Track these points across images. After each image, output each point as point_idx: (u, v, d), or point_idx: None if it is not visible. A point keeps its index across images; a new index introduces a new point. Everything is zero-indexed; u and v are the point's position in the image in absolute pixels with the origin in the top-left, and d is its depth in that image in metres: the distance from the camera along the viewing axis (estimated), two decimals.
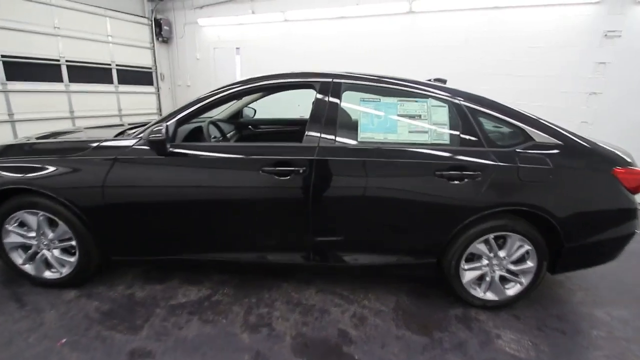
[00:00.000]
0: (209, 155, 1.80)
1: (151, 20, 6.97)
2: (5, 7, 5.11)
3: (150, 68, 7.17)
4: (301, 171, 1.73)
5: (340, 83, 1.85)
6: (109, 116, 6.54)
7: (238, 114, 3.33)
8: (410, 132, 1.79)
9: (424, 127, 1.80)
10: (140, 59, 6.92)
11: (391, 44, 5.15)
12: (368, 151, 1.76)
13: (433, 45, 4.89)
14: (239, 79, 1.92)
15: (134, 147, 1.76)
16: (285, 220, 1.84)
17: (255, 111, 3.49)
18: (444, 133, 1.80)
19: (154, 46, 7.07)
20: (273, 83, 1.88)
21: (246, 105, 3.31)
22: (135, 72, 6.86)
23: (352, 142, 1.81)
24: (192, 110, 1.83)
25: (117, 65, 6.55)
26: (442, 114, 1.81)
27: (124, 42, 6.61)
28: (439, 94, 1.83)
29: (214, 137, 2.34)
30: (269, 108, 3.46)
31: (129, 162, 1.78)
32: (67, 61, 5.86)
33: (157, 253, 1.95)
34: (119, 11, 6.48)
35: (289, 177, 1.74)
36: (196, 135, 2.13)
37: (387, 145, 1.78)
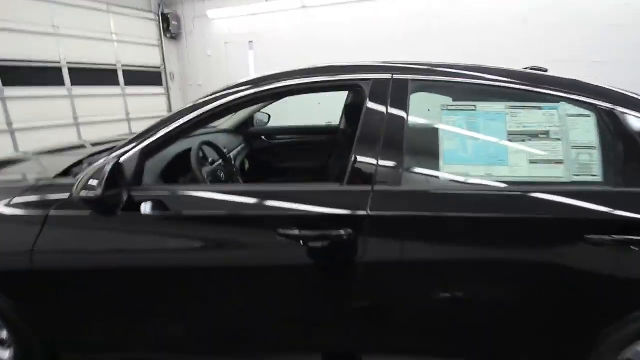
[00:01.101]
0: (189, 215, 1.13)
1: (158, 15, 6.43)
2: None
3: (158, 67, 6.66)
4: (344, 235, 1.00)
5: (405, 80, 1.11)
6: (116, 121, 6.07)
7: (248, 121, 2.64)
8: (532, 162, 1.03)
9: (557, 153, 1.03)
10: (147, 57, 6.42)
11: (433, 26, 4.30)
12: (460, 200, 1.03)
13: (480, 27, 4.01)
14: (247, 78, 1.18)
15: (74, 197, 1.07)
16: (310, 320, 1.16)
17: (269, 117, 2.80)
18: (593, 164, 1.02)
19: (162, 43, 6.54)
20: (295, 85, 1.16)
21: (258, 110, 2.60)
22: (143, 73, 6.39)
23: (431, 182, 1.08)
24: (166, 135, 1.16)
25: (123, 65, 6.05)
26: (587, 129, 1.03)
27: (129, 40, 6.10)
28: (579, 96, 1.05)
29: (211, 162, 1.65)
30: (281, 109, 2.76)
31: (66, 223, 1.11)
32: (68, 63, 5.37)
33: (119, 349, 1.28)
34: (123, 6, 5.94)
35: (321, 246, 1.02)
36: (183, 164, 1.44)
37: (493, 188, 1.03)
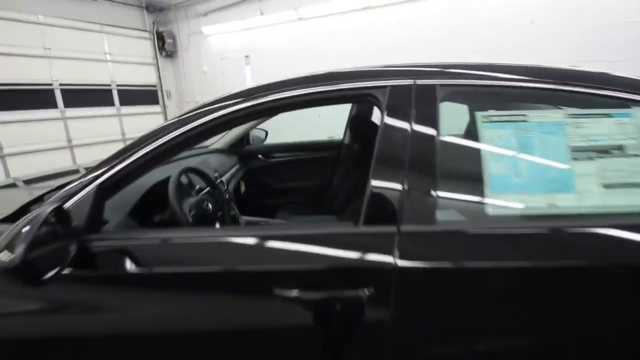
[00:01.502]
0: (148, 273, 0.87)
1: (153, 34, 6.32)
2: None
3: (154, 85, 6.54)
4: (362, 297, 0.74)
5: (432, 87, 0.87)
6: (112, 142, 5.89)
7: (243, 139, 2.41)
8: (606, 186, 0.77)
9: (638, 173, 0.78)
10: (143, 76, 6.31)
11: (433, 30, 4.11)
12: (515, 241, 0.77)
13: (487, 29, 3.82)
14: (228, 92, 0.94)
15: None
16: None
17: (266, 133, 2.57)
18: None
19: (157, 62, 6.43)
20: (293, 99, 0.92)
21: (254, 126, 2.38)
22: (139, 92, 6.28)
23: (476, 218, 0.83)
24: (132, 165, 0.92)
25: (117, 85, 5.93)
26: None
27: (124, 59, 5.99)
28: None
29: (198, 189, 1.41)
30: (278, 124, 2.55)
31: None
32: (61, 85, 5.23)
33: None
34: (116, 26, 5.83)
35: (331, 311, 0.77)
36: (162, 196, 1.20)
37: (559, 222, 0.77)
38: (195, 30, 6.01)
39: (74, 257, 0.83)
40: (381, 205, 0.81)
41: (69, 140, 5.37)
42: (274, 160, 2.52)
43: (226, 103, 0.94)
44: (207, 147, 2.36)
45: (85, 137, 5.54)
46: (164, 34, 6.23)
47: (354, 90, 0.92)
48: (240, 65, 5.79)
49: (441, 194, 0.80)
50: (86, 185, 0.89)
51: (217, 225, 1.41)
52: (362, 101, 0.99)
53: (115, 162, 0.92)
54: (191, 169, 1.41)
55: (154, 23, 6.28)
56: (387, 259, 0.76)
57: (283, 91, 0.93)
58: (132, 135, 6.02)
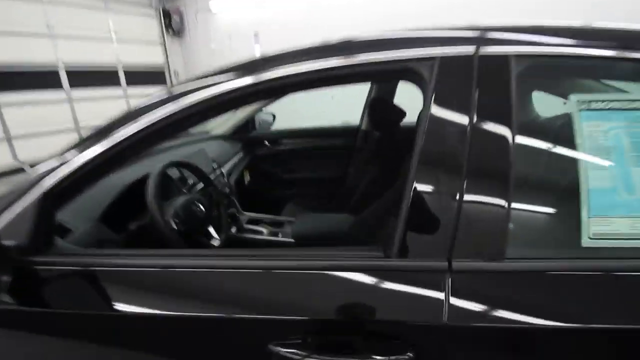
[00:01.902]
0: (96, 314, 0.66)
1: (159, 11, 6.05)
2: None
3: (162, 66, 6.32)
4: None
5: (503, 58, 0.60)
6: None
7: (248, 123, 2.17)
8: None
9: None
10: (149, 56, 6.10)
11: None
12: (627, 286, 0.51)
13: None
14: (220, 69, 0.68)
15: None
16: None
17: (274, 117, 2.32)
18: None
19: (164, 41, 6.17)
20: (300, 77, 0.67)
21: (260, 109, 2.13)
22: (146, 72, 6.08)
23: (566, 250, 0.57)
24: (88, 166, 0.68)
25: (124, 65, 5.71)
26: None
27: (130, 38, 5.75)
28: None
29: (189, 187, 1.18)
30: (286, 106, 2.30)
31: None
32: (66, 65, 5.04)
33: None
34: (121, 2, 5.58)
35: None
36: (140, 197, 0.99)
37: None
38: (202, 7, 5.71)
39: (8, 288, 0.62)
40: (425, 228, 0.57)
41: (76, 122, 5.26)
42: (283, 147, 2.28)
43: (213, 83, 0.69)
44: (206, 132, 2.13)
45: (92, 119, 5.40)
46: (170, 11, 5.95)
47: (386, 64, 0.65)
48: (249, 42, 5.48)
49: (515, 215, 0.55)
50: (25, 192, 0.67)
51: (211, 229, 1.19)
52: (397, 78, 0.72)
53: (69, 160, 0.70)
54: (178, 163, 1.18)
55: (159, 0, 6.00)
56: (433, 310, 0.52)
57: (285, 67, 0.67)
58: None
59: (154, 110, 0.69)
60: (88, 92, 5.32)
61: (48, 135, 5.00)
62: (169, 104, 0.69)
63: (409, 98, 2.04)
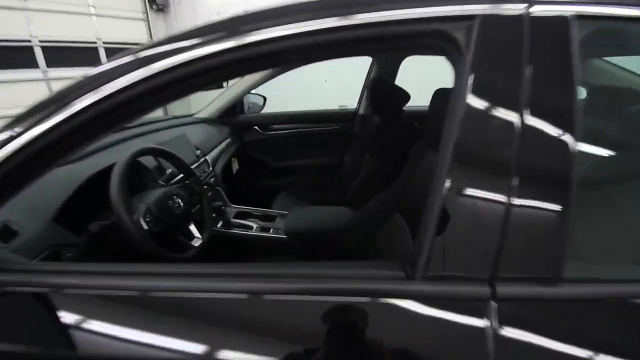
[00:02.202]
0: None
1: None
2: None
3: (144, 43, 5.97)
4: None
5: (562, 19, 0.44)
6: None
7: (235, 107, 1.99)
8: None
9: None
10: (132, 33, 5.75)
11: None
12: None
13: None
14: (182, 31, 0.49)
15: None
16: None
17: (264, 100, 2.14)
18: None
19: (147, 17, 5.79)
20: (289, 42, 0.50)
21: (249, 91, 1.96)
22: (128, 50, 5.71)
23: None
24: (29, 149, 0.52)
25: (104, 42, 5.36)
26: None
27: (110, 13, 5.38)
28: None
29: (167, 179, 1.03)
30: (275, 91, 2.13)
31: None
32: (40, 42, 4.70)
33: None
34: None
35: None
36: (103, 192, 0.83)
37: None
38: None
39: None
40: (460, 242, 0.43)
41: None
42: (274, 133, 2.11)
43: (174, 48, 0.52)
44: (190, 116, 1.94)
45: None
46: None
47: (404, 26, 0.49)
48: None
49: (579, 226, 0.41)
50: None
51: (192, 228, 1.04)
52: (416, 47, 0.55)
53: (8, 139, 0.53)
54: (151, 150, 1.02)
55: None
56: (471, 351, 0.39)
57: (269, 29, 0.50)
58: None
59: (121, 76, 0.52)
60: (66, 71, 5.00)
61: None
62: (143, 68, 0.52)
63: (410, 81, 1.90)
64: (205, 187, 1.39)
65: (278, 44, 0.50)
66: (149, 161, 1.14)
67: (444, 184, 0.45)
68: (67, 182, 0.85)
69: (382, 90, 1.55)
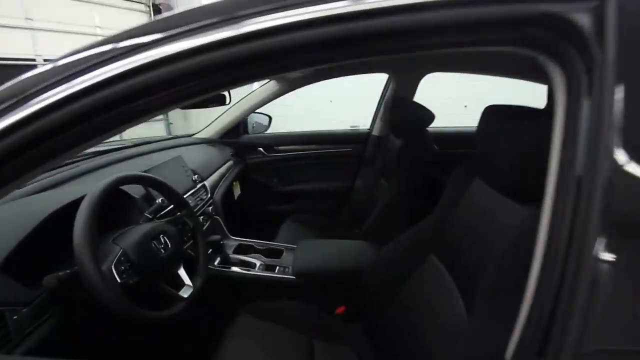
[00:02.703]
0: None
1: (149, 6, 5.72)
2: None
3: None
4: None
5: None
6: None
7: (239, 127, 1.85)
8: None
9: None
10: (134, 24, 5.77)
11: None
12: None
13: None
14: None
15: None
16: None
17: (270, 119, 2.00)
18: None
19: (150, 8, 5.84)
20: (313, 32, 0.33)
21: (253, 110, 1.82)
22: None
23: None
24: None
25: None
26: None
27: (110, 2, 5.33)
28: None
29: (154, 211, 0.85)
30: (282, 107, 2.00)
31: None
32: (45, 60, 4.67)
33: None
34: None
35: None
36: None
37: None
38: (194, 3, 5.44)
39: None
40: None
41: None
42: (279, 154, 1.95)
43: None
44: (189, 136, 1.79)
45: None
46: (160, 6, 5.68)
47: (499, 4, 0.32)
48: None
49: None
50: None
51: (182, 272, 0.85)
52: (505, 42, 0.37)
53: None
54: (134, 178, 0.84)
55: None
56: None
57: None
58: None
59: (98, 66, 0.36)
60: None
61: None
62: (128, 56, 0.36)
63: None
64: (201, 218, 1.21)
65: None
66: (136, 189, 0.96)
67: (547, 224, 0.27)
68: (21, 219, 0.68)
69: (404, 109, 1.39)
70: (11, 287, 0.60)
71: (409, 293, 0.83)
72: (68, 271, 0.62)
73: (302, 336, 0.88)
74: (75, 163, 1.05)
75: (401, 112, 1.37)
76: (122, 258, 0.70)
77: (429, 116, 1.31)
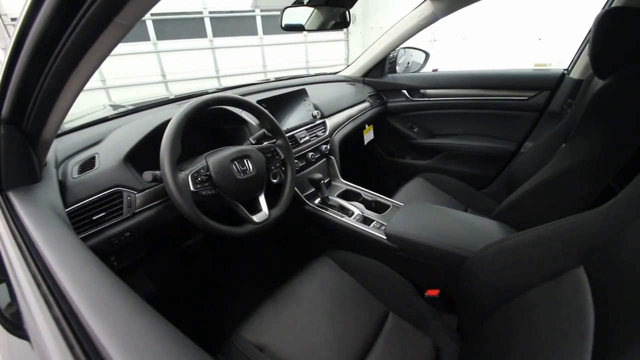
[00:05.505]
0: None
1: None
2: None
3: None
4: None
5: None
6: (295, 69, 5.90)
7: (384, 62, 1.67)
8: None
9: None
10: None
11: None
12: None
13: None
14: None
15: None
16: None
17: (427, 56, 1.71)
18: None
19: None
20: None
21: (399, 43, 1.58)
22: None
23: None
24: None
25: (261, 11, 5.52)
26: None
27: None
28: None
29: (260, 140, 0.89)
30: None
31: None
32: (210, 12, 5.18)
33: None
34: None
35: None
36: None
37: None
38: None
39: None
40: None
41: (217, 71, 5.46)
42: (426, 101, 1.63)
43: None
44: (334, 73, 1.73)
45: (231, 67, 5.49)
46: None
47: None
48: None
49: None
50: None
51: (262, 199, 0.84)
52: None
53: None
54: (225, 100, 0.84)
55: None
56: None
57: None
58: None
59: None
60: (228, 40, 5.36)
61: (194, 81, 5.23)
62: None
63: None
64: (311, 154, 1.17)
65: None
66: (249, 114, 1.00)
67: None
68: (141, 127, 0.82)
69: (626, 25, 0.80)
70: (129, 174, 0.75)
71: (527, 307, 0.53)
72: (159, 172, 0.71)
73: (377, 301, 0.75)
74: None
75: (620, 31, 0.79)
76: (202, 170, 0.75)
77: None
